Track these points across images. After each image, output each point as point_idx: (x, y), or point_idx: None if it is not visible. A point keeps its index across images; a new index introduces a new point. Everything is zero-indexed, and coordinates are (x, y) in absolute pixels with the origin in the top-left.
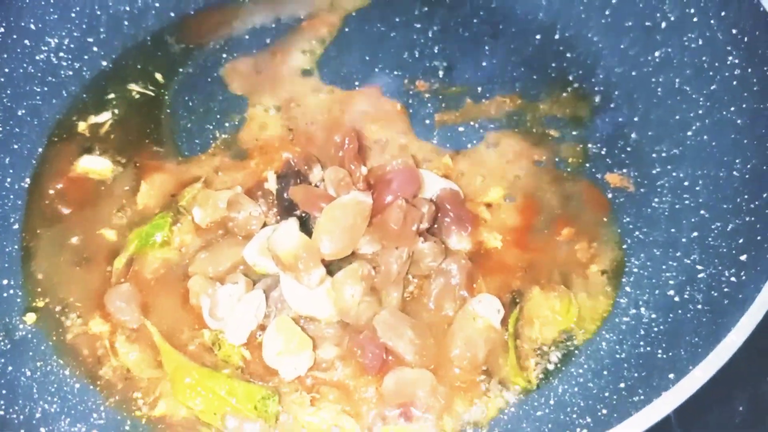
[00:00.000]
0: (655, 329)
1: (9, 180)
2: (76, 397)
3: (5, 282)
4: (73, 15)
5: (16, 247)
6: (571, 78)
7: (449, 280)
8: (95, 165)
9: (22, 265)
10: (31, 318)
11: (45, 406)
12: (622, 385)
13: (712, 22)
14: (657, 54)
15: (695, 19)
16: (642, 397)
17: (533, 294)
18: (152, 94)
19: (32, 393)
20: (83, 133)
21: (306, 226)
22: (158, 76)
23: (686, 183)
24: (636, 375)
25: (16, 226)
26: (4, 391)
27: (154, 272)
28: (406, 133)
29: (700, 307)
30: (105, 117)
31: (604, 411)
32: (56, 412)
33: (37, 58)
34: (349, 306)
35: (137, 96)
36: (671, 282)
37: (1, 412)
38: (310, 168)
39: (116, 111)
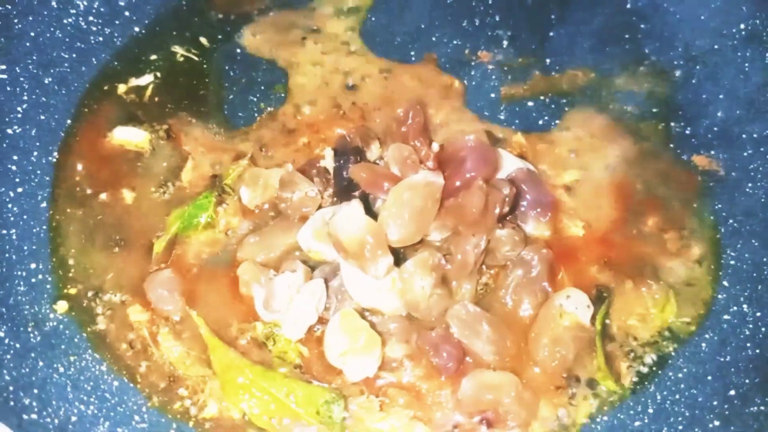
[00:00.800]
0: (763, 329)
1: (35, 154)
2: (115, 397)
3: (33, 266)
4: None
5: (44, 227)
6: (647, 51)
7: (529, 272)
8: (131, 136)
9: (51, 248)
10: (62, 307)
11: (81, 407)
12: (732, 392)
13: None
14: (742, 27)
15: None
16: (762, 407)
17: (625, 289)
18: (196, 58)
19: (66, 393)
20: (123, 97)
21: (368, 208)
22: (203, 40)
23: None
24: (747, 381)
25: (44, 205)
26: (35, 391)
27: (198, 257)
28: (462, 113)
29: None
30: (147, 80)
31: (716, 423)
32: (93, 415)
33: (65, 22)
34: (419, 299)
35: (181, 59)
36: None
37: (34, 416)
38: (367, 144)
39: (158, 74)
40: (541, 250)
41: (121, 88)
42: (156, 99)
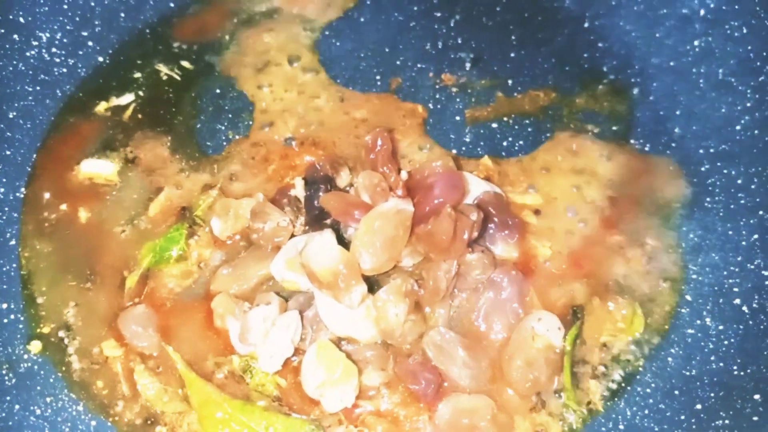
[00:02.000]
0: (725, 342)
1: (2, 190)
2: None
3: (4, 306)
4: (65, 7)
5: (14, 265)
6: (605, 69)
7: (499, 294)
8: (100, 169)
9: (21, 286)
10: (36, 347)
11: None
12: (699, 406)
13: (757, 9)
14: (696, 44)
15: (737, 6)
16: (727, 421)
17: (594, 306)
18: (165, 87)
19: None
20: (91, 126)
21: (338, 236)
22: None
23: (739, 181)
24: (713, 395)
25: (12, 242)
26: None
27: (172, 291)
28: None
29: None
30: (126, 100)
31: None
32: None
33: (28, 54)
34: (394, 326)
35: (148, 88)
36: (736, 290)
37: None
38: (337, 172)
39: (126, 100)
40: (511, 272)
41: (101, 107)
42: (123, 128)
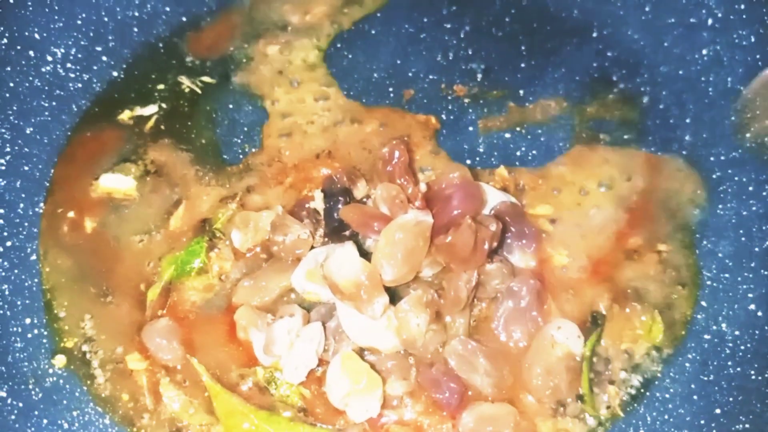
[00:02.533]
0: (742, 347)
1: (22, 206)
2: None
3: (28, 321)
4: (79, 22)
5: (36, 280)
6: (615, 78)
7: (519, 303)
8: (118, 183)
9: (44, 301)
10: (61, 361)
11: None
12: (718, 411)
13: (765, 17)
14: (705, 52)
15: (745, 15)
16: (747, 425)
17: (613, 313)
18: (180, 100)
19: None
20: (110, 140)
21: (358, 246)
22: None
23: (750, 188)
24: (731, 399)
25: (33, 257)
26: None
27: (194, 304)
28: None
29: None
30: (147, 111)
31: None
32: None
33: (43, 70)
34: (415, 336)
35: (168, 101)
36: (750, 295)
37: None
38: (354, 183)
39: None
40: (529, 280)
41: (126, 115)
42: (141, 141)
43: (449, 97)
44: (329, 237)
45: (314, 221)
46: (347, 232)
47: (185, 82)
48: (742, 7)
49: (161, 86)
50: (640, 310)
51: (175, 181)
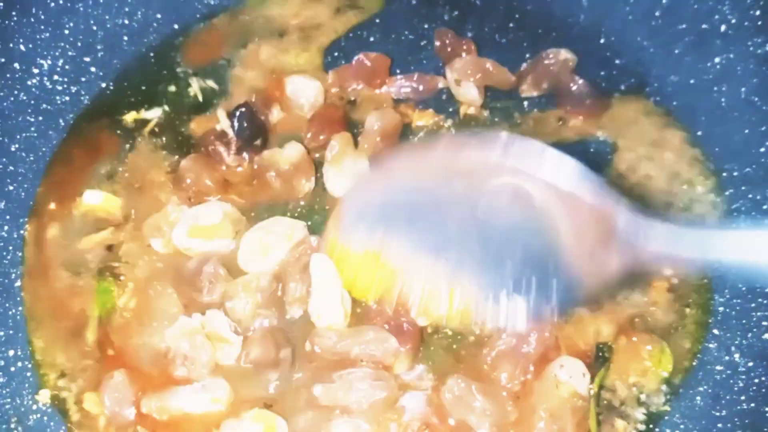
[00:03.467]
0: (756, 381)
1: (6, 228)
2: None
3: (11, 353)
4: (66, 32)
5: (20, 309)
6: (623, 87)
7: (521, 347)
8: (101, 200)
9: (28, 332)
10: (45, 396)
11: None
12: None
13: None
14: (717, 61)
15: (760, 23)
16: None
17: (620, 346)
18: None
19: None
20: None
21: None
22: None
23: (765, 206)
24: None
25: (18, 283)
26: None
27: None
28: None
29: None
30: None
31: None
32: None
33: (29, 83)
34: None
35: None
36: (765, 324)
37: None
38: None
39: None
40: (545, 333)
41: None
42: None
43: (450, 109)
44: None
45: (225, 142)
46: (259, 141)
47: (194, 85)
48: (757, 13)
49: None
50: (648, 341)
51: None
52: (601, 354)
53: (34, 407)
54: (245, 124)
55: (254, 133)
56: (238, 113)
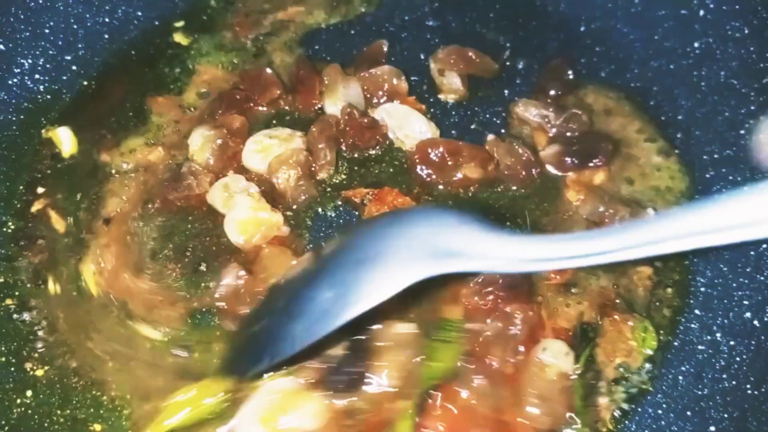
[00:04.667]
0: (737, 359)
1: None
2: None
3: None
4: (47, 31)
5: None
6: (603, 75)
7: (507, 329)
8: None
9: None
10: None
11: None
12: (713, 428)
13: (759, 8)
14: (696, 45)
15: (738, 7)
16: None
17: (604, 327)
18: None
19: None
20: None
21: None
22: None
23: (746, 188)
24: (726, 416)
25: None
26: None
27: None
28: None
29: None
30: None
31: None
32: None
33: (10, 82)
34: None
35: None
36: (746, 302)
37: None
38: None
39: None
40: (528, 312)
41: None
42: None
43: (431, 99)
44: None
45: None
46: None
47: None
48: None
49: None
50: (632, 320)
51: None
52: (586, 334)
53: None
54: None
55: None
56: None
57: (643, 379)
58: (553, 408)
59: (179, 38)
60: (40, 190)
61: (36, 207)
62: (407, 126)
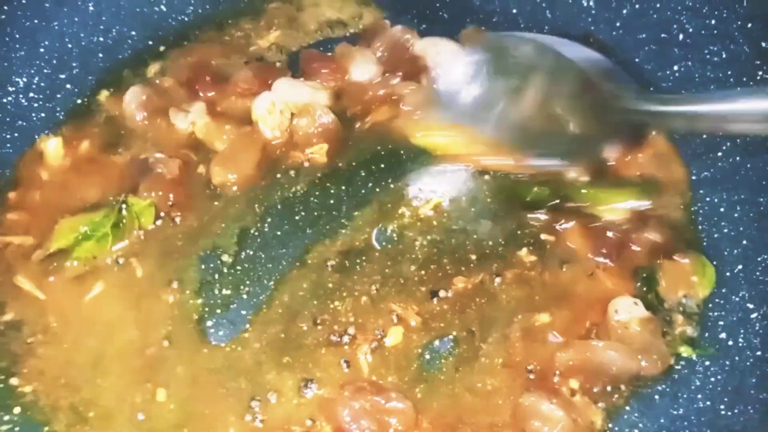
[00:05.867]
0: (712, 379)
1: None
2: None
3: None
4: (42, 50)
5: None
6: None
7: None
8: None
9: None
10: None
11: None
12: None
13: (736, 34)
14: (675, 69)
15: (716, 32)
16: None
17: (663, 266)
18: None
19: None
20: None
21: None
22: None
23: (722, 209)
24: None
25: None
26: None
27: None
28: None
29: (759, 353)
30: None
31: None
32: None
33: (5, 101)
34: None
35: None
36: (721, 323)
37: None
38: None
39: None
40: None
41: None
42: None
43: None
44: None
45: None
46: None
47: None
48: (713, 22)
49: None
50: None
51: None
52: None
53: None
54: None
55: None
56: None
57: (616, 399)
58: (659, 349)
59: None
60: None
61: None
62: None
